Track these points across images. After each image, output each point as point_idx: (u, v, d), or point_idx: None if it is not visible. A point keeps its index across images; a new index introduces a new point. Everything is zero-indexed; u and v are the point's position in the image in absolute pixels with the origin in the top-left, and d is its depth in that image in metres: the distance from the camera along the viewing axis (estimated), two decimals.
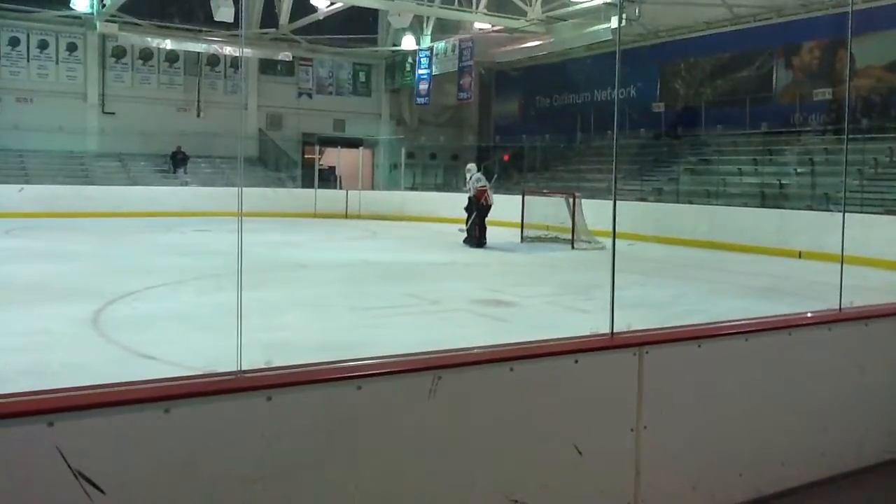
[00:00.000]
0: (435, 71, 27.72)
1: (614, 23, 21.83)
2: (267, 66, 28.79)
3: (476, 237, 16.70)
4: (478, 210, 16.70)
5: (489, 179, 17.60)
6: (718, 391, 3.70)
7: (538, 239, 17.83)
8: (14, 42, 25.31)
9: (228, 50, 26.81)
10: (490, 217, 17.26)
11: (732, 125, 22.13)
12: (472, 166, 17.84)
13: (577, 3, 22.95)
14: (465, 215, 17.21)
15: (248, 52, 25.79)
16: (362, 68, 31.09)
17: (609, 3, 21.55)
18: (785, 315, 4.59)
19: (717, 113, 23.09)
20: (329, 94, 30.46)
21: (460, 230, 17.50)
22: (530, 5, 24.29)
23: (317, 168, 27.06)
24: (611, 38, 21.96)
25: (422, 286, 10.86)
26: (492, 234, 17.14)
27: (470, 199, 17.03)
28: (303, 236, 18.53)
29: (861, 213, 14.68)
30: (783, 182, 18.75)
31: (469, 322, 8.46)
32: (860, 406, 4.28)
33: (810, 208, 16.65)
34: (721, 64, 23.57)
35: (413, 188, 28.44)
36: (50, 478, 2.22)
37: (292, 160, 28.61)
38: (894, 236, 14.02)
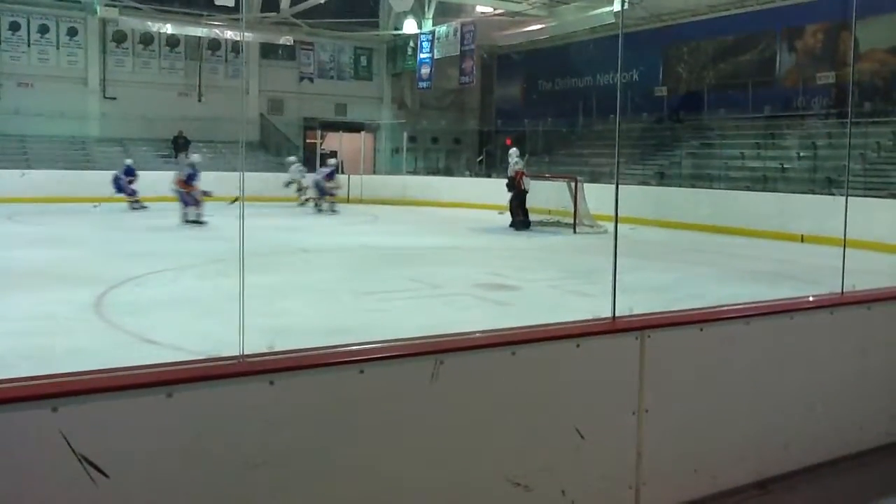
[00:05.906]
0: (437, 55, 27.57)
1: (617, 6, 21.76)
2: (268, 51, 28.69)
3: (520, 219, 16.83)
4: (514, 192, 16.84)
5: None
6: (720, 375, 3.71)
7: (540, 223, 17.77)
8: (14, 27, 25.20)
9: (229, 34, 26.70)
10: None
11: (735, 109, 22.03)
12: (513, 151, 17.95)
13: None
14: (505, 200, 17.45)
15: (248, 36, 25.70)
16: (364, 52, 30.95)
17: None
18: (787, 299, 4.59)
19: (719, 96, 22.98)
20: (330, 78, 30.30)
21: (500, 213, 17.54)
22: None
23: (318, 152, 26.98)
24: (613, 21, 21.87)
25: (424, 270, 10.85)
26: (493, 218, 17.13)
27: (510, 178, 17.17)
28: (304, 221, 18.53)
29: (864, 196, 14.66)
30: (785, 166, 18.70)
31: (471, 306, 8.47)
32: (862, 389, 4.29)
33: (812, 192, 16.62)
34: (724, 47, 23.44)
35: (415, 172, 28.37)
36: (54, 462, 2.23)
37: (294, 145, 28.52)
38: None
